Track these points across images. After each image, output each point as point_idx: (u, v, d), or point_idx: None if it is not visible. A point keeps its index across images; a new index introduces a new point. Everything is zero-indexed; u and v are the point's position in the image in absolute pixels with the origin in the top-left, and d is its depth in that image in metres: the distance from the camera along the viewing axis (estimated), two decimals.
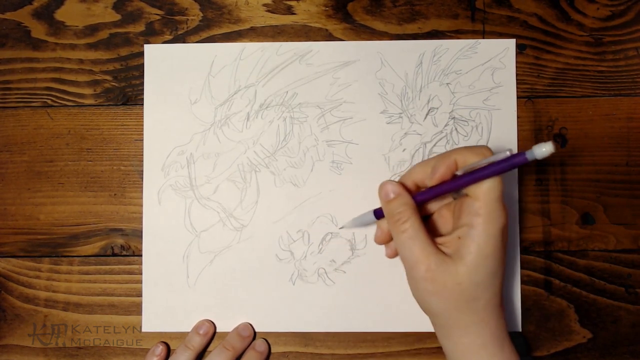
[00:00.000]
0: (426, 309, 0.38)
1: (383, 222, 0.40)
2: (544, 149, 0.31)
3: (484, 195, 0.35)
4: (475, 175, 0.35)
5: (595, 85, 0.45)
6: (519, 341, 0.43)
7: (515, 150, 0.44)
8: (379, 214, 0.40)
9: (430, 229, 0.39)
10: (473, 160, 0.35)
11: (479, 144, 0.44)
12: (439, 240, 0.37)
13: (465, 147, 0.36)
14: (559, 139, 0.45)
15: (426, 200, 0.38)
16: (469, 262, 0.35)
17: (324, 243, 0.44)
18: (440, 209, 0.39)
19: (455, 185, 0.36)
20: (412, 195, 0.38)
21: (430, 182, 0.37)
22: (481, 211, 0.35)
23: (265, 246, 0.44)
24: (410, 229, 0.36)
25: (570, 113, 0.45)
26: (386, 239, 0.40)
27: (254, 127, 0.45)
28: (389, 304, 0.44)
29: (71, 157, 0.45)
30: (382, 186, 0.38)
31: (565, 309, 0.44)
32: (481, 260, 0.35)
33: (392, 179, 0.44)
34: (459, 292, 0.35)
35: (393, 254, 0.41)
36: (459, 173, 0.36)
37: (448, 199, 0.39)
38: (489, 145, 0.44)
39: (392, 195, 0.37)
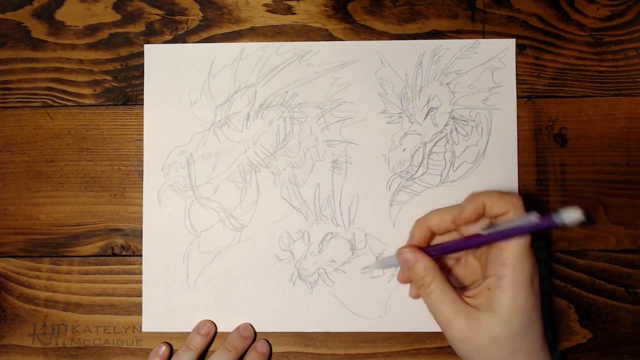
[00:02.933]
0: None
1: None
2: (574, 217, 0.31)
3: (512, 245, 0.34)
4: (501, 236, 0.34)
5: (595, 85, 0.45)
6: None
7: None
8: None
9: (457, 278, 0.39)
10: (499, 208, 0.35)
11: (478, 144, 0.44)
12: (468, 293, 0.37)
13: (495, 192, 0.36)
14: (559, 139, 0.45)
15: (443, 254, 0.38)
16: (502, 315, 0.34)
17: (324, 243, 0.44)
18: (466, 256, 0.39)
19: (478, 242, 0.36)
20: (427, 242, 0.38)
21: (457, 221, 0.37)
22: (509, 261, 0.34)
23: (265, 246, 0.44)
24: (435, 290, 0.36)
25: (570, 113, 0.45)
26: (408, 280, 0.40)
27: (254, 127, 0.45)
28: (389, 304, 0.44)
29: (71, 157, 0.45)
30: (400, 254, 0.38)
31: (565, 309, 0.44)
32: (514, 311, 0.34)
33: (392, 179, 0.44)
34: (497, 347, 0.34)
35: (416, 295, 0.41)
36: (484, 233, 0.36)
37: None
38: (489, 146, 0.44)
39: (412, 261, 0.37)
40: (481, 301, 0.35)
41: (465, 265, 0.38)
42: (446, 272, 0.40)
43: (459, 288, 0.39)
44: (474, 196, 0.36)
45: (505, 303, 0.34)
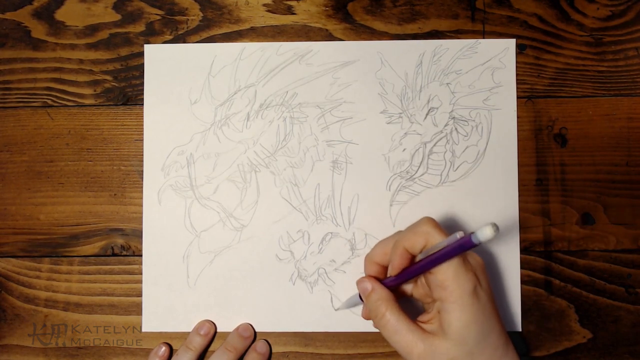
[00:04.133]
0: None
1: None
2: (487, 233, 0.32)
3: (444, 267, 0.35)
4: (432, 261, 0.35)
5: (595, 85, 0.45)
6: (518, 341, 0.43)
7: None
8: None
9: (418, 298, 0.40)
10: (419, 244, 0.36)
11: (478, 144, 0.44)
12: (423, 318, 0.38)
13: (409, 230, 0.37)
14: (559, 139, 0.45)
15: (396, 285, 0.39)
16: (453, 335, 0.35)
17: (324, 243, 0.44)
18: (420, 277, 0.39)
19: (415, 271, 0.37)
20: (383, 275, 0.40)
21: (393, 274, 0.38)
22: (446, 283, 0.35)
23: (265, 246, 0.44)
24: (390, 320, 0.37)
25: (570, 113, 0.45)
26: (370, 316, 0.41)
27: (254, 127, 0.45)
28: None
29: (71, 157, 0.45)
30: (358, 283, 0.39)
31: (565, 309, 0.44)
32: (464, 329, 0.35)
33: (392, 179, 0.44)
34: None
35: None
36: (420, 257, 0.37)
37: None
38: (489, 146, 0.44)
39: (369, 290, 0.38)
40: (435, 325, 0.36)
41: (422, 285, 0.39)
42: (407, 295, 0.41)
43: (423, 304, 0.40)
44: (395, 245, 0.38)
45: (455, 323, 0.35)
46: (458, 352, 0.35)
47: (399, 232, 0.40)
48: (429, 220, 0.37)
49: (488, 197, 0.44)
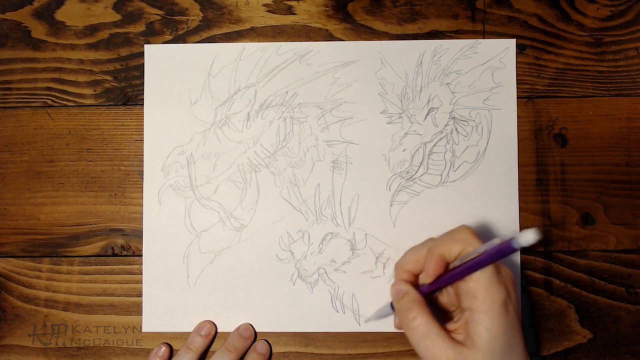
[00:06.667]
0: None
1: None
2: (529, 237, 0.31)
3: (477, 276, 0.35)
4: (469, 267, 0.35)
5: (595, 85, 0.45)
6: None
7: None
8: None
9: (443, 305, 0.40)
10: (455, 250, 0.36)
11: (479, 144, 0.44)
12: (450, 327, 0.37)
13: (445, 237, 0.37)
14: (559, 139, 0.45)
15: (429, 293, 0.38)
16: (483, 346, 0.35)
17: (324, 243, 0.44)
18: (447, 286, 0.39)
19: (451, 278, 0.36)
20: (414, 282, 0.39)
21: (428, 281, 0.37)
22: (477, 292, 0.35)
23: (265, 246, 0.44)
24: (421, 324, 0.36)
25: (570, 113, 0.45)
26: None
27: (254, 127, 0.45)
28: (389, 304, 0.44)
29: (71, 157, 0.45)
30: (392, 287, 0.39)
31: (565, 309, 0.44)
32: (493, 340, 0.35)
33: (392, 179, 0.44)
34: None
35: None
36: (455, 264, 0.36)
37: None
38: (489, 146, 0.44)
39: (402, 292, 0.38)
40: (463, 336, 0.36)
41: (447, 293, 0.39)
42: (434, 301, 0.40)
43: (447, 312, 0.40)
44: (429, 251, 0.37)
45: (484, 334, 0.35)
46: None
47: (431, 239, 0.39)
48: (466, 227, 0.37)
49: (488, 197, 0.44)
